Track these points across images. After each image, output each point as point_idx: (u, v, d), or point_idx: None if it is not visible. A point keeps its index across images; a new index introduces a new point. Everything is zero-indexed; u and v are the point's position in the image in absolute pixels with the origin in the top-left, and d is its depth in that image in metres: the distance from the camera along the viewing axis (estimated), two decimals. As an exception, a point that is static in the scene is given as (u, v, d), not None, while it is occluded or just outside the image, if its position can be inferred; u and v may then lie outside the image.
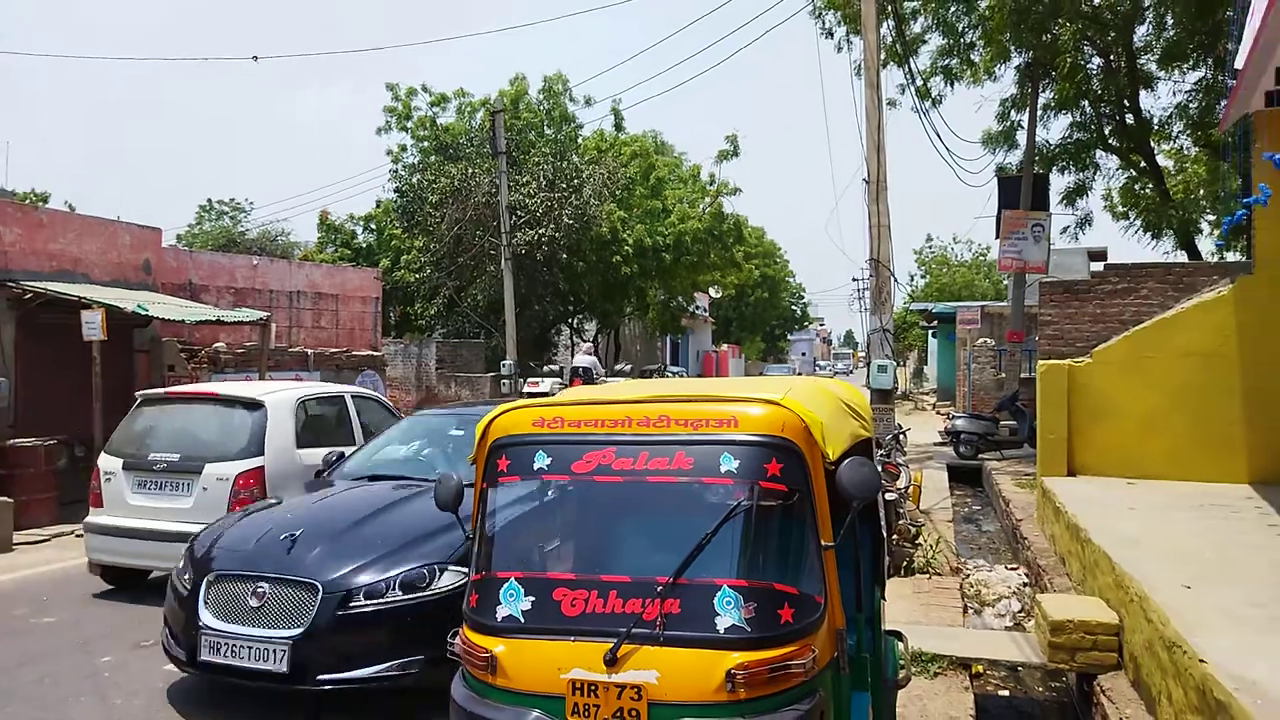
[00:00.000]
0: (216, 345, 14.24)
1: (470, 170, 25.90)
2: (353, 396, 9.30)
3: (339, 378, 16.59)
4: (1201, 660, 4.23)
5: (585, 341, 31.37)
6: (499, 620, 2.91)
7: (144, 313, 11.97)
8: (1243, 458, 9.43)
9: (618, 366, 35.85)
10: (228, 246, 32.42)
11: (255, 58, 27.02)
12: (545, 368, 30.16)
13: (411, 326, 28.39)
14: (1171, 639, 4.70)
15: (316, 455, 7.81)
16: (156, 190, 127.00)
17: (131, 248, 14.08)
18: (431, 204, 26.16)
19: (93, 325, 11.04)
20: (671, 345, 49.81)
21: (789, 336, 78.22)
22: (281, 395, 8.21)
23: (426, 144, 28.59)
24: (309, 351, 16.09)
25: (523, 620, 2.88)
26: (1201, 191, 19.88)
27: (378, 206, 29.89)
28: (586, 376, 23.72)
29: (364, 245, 30.28)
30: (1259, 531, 7.21)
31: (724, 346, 59.53)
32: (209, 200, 41.52)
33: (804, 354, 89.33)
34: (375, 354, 18.46)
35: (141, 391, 9.11)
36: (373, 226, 30.26)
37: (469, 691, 2.91)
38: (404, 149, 28.91)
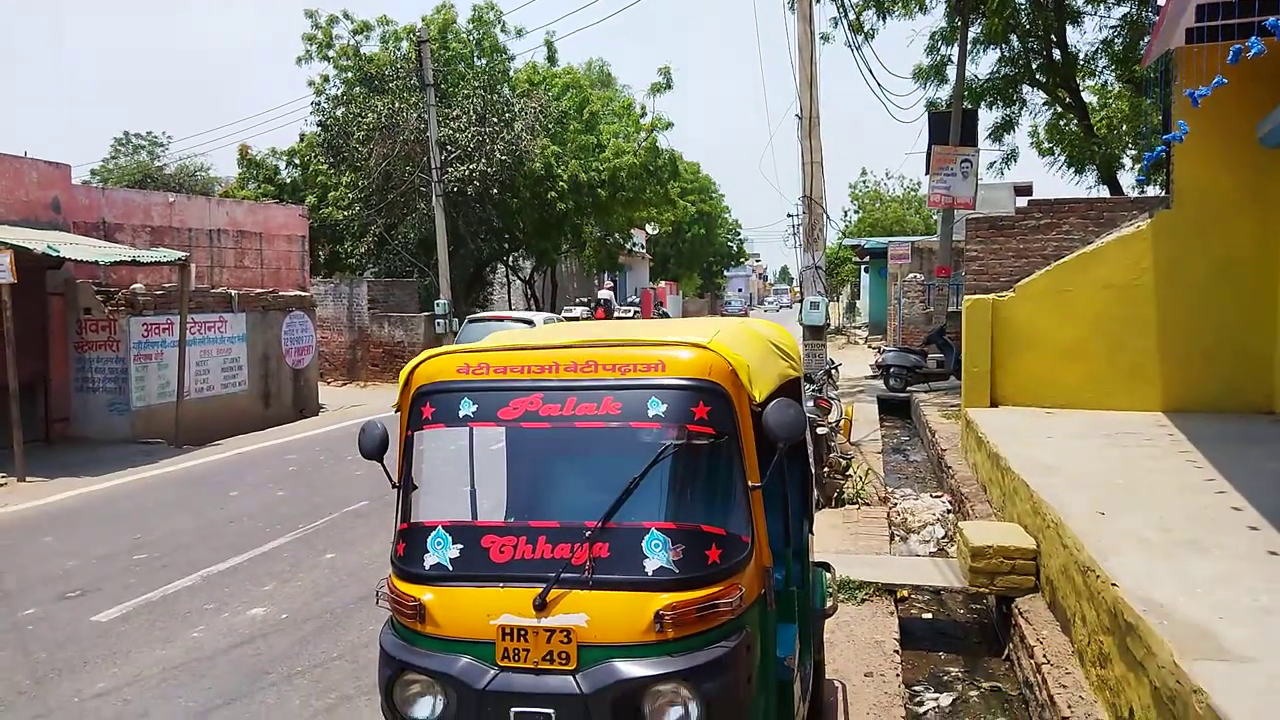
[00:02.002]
0: (134, 286, 13.71)
1: (397, 104, 25.05)
2: (563, 318, 16.79)
3: (265, 319, 16.18)
4: (1113, 584, 4.43)
5: (608, 279, 39.10)
6: (427, 568, 2.88)
7: (55, 254, 11.44)
8: (1157, 387, 9.82)
9: (630, 299, 39.32)
10: (144, 183, 31.09)
11: (164, -18, 25.37)
12: (579, 298, 35.52)
13: (341, 265, 27.62)
14: (1085, 563, 4.90)
15: None
16: (66, 125, 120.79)
17: (39, 185, 13.40)
18: (358, 139, 25.31)
19: (1, 268, 10.55)
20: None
21: (726, 273, 78.38)
22: (539, 316, 17.09)
23: (350, 75, 27.46)
24: (232, 292, 15.59)
25: (451, 568, 2.86)
26: (1124, 127, 20.27)
27: (301, 140, 28.74)
28: (607, 308, 33.16)
29: (288, 181, 29.14)
30: (1170, 458, 7.54)
31: (661, 283, 59.46)
32: (125, 134, 39.78)
33: (740, 290, 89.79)
34: (304, 294, 17.98)
35: (470, 316, 19.46)
36: (296, 162, 29.12)
37: (398, 639, 2.90)
38: (326, 80, 27.72)
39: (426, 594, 2.84)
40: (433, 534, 2.92)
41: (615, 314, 33.88)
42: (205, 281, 16.09)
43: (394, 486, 3.11)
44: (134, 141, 39.09)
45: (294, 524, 8.57)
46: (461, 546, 2.88)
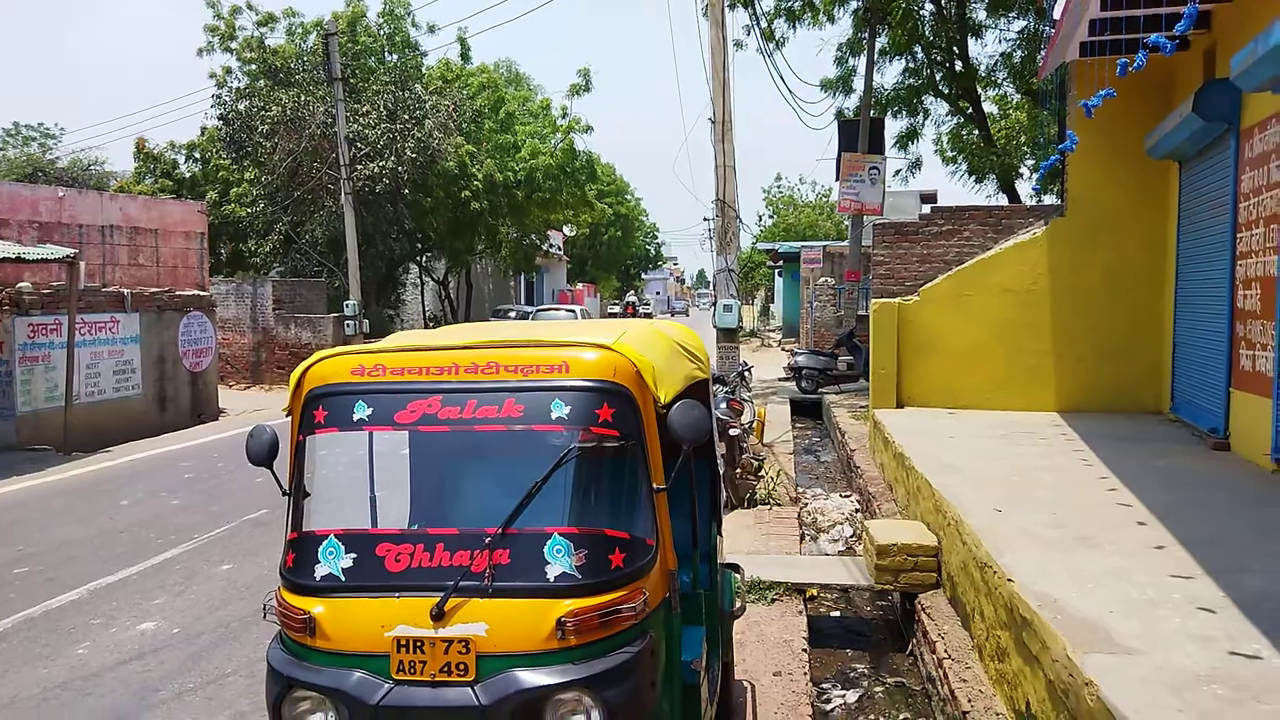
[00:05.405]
0: (20, 285, 12.97)
1: (303, 98, 24.39)
2: (580, 311, 27.63)
3: (161, 320, 15.51)
4: (1009, 579, 4.54)
5: (638, 291, 51.68)
6: (318, 579, 2.76)
7: (-73, 250, 10.76)
8: (1053, 388, 10.19)
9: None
10: (34, 176, 29.55)
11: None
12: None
13: (245, 264, 26.73)
14: (983, 559, 5.03)
15: None
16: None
17: (-91, 176, 12.59)
18: (262, 133, 24.53)
19: None
20: (526, 284, 49.16)
21: (644, 275, 78.74)
22: (579, 310, 29.45)
23: (254, 67, 26.64)
24: (125, 291, 14.89)
25: (343, 578, 2.75)
26: (1023, 137, 21.07)
27: (202, 134, 27.77)
28: (635, 307, 41.69)
29: (187, 176, 28.12)
30: (1064, 456, 7.81)
31: (579, 285, 59.32)
32: (14, 124, 37.94)
33: (658, 293, 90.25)
34: (202, 294, 17.29)
35: (539, 308, 30.87)
36: (197, 156, 28.11)
37: (286, 655, 2.77)
38: (229, 72, 26.83)
39: (317, 606, 2.72)
40: (324, 543, 2.80)
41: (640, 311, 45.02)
42: (97, 280, 15.36)
43: (284, 494, 2.98)
44: (24, 133, 37.30)
45: (189, 534, 8.21)
46: (355, 556, 2.77)
